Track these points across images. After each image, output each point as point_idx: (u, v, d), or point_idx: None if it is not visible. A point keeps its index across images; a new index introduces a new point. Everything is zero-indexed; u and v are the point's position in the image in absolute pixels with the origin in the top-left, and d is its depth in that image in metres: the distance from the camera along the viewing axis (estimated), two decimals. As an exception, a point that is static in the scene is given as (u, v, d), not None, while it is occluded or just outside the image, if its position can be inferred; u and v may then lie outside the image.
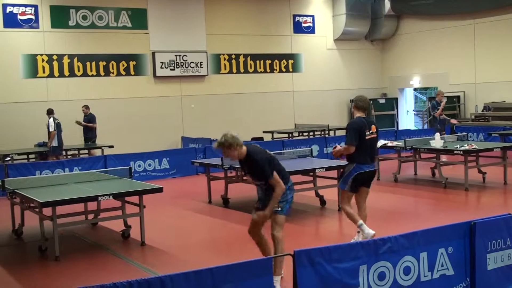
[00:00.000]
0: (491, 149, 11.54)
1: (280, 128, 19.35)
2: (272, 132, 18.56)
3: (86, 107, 16.47)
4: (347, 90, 22.20)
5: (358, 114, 7.41)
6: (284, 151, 13.95)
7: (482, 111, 19.46)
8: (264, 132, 18.88)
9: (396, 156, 12.93)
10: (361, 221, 7.29)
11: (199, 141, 16.34)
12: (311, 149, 11.72)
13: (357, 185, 7.35)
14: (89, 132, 16.42)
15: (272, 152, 10.44)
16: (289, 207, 6.12)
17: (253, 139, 18.08)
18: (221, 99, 19.79)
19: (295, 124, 20.39)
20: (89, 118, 16.45)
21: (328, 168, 9.65)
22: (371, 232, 7.13)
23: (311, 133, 18.62)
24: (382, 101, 22.57)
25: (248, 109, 20.41)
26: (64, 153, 15.23)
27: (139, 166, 14.00)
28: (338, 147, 7.46)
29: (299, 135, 18.55)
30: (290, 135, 18.19)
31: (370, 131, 7.35)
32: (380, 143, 12.33)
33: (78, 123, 16.29)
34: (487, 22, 19.68)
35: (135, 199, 8.07)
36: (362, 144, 7.25)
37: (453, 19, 20.66)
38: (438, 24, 21.24)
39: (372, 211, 9.36)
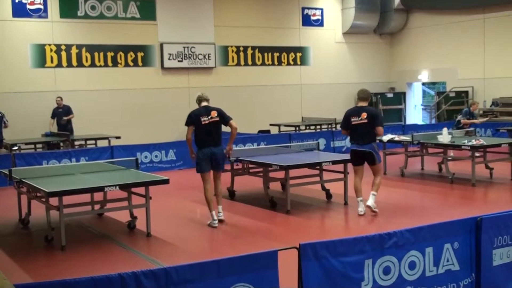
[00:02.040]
0: (499, 145, 11.49)
1: (287, 121, 19.33)
2: (279, 125, 18.54)
3: (61, 98, 16.30)
4: (355, 84, 21.98)
5: (358, 104, 8.92)
6: (291, 144, 14.02)
7: (491, 106, 19.37)
8: (271, 125, 18.86)
9: (403, 150, 12.91)
10: (360, 198, 8.94)
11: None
12: (318, 143, 11.73)
13: (355, 160, 8.90)
14: (69, 125, 16.25)
15: (278, 145, 10.65)
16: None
17: (260, 131, 18.08)
18: (228, 91, 19.77)
19: (302, 117, 20.38)
20: (67, 110, 16.26)
21: (334, 162, 9.62)
22: (360, 210, 8.86)
23: (318, 127, 18.58)
24: (390, 95, 22.49)
25: (256, 101, 20.40)
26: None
27: (146, 157, 14.00)
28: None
29: (306, 129, 18.53)
30: (297, 128, 18.17)
31: (359, 118, 8.72)
32: (387, 137, 12.43)
33: (64, 122, 16.11)
34: (497, 17, 19.57)
35: (141, 190, 8.07)
36: (351, 128, 8.85)
37: (462, 14, 20.54)
38: (448, 18, 21.12)
39: (378, 205, 9.39)
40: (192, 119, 8.52)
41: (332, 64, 22.06)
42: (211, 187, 8.62)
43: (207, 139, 8.49)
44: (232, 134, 8.69)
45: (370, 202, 8.82)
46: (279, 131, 18.34)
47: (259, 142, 15.26)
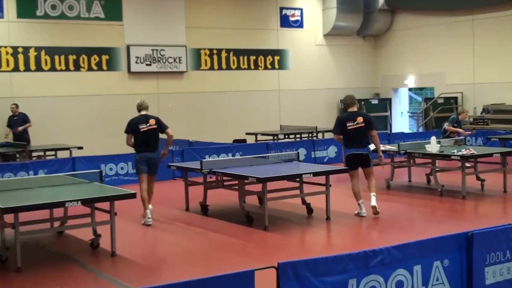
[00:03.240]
0: (490, 155, 11.50)
1: (264, 130, 19.36)
2: (255, 134, 18.56)
3: (16, 105, 16.17)
4: (337, 90, 22.29)
5: (349, 110, 9.93)
6: (269, 154, 13.96)
7: (481, 113, 19.53)
8: (247, 133, 18.90)
9: (389, 161, 12.91)
10: (360, 201, 9.86)
11: (177, 143, 16.29)
12: (298, 153, 11.73)
13: (353, 164, 9.82)
14: (25, 134, 16.13)
15: (255, 156, 10.79)
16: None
17: (235, 141, 18.10)
18: (201, 97, 19.79)
19: (280, 125, 20.38)
20: (23, 118, 16.15)
21: (316, 174, 9.62)
22: (363, 212, 9.76)
23: (298, 136, 18.63)
24: (375, 101, 22.69)
25: (230, 108, 20.44)
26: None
27: (111, 169, 13.94)
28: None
29: (285, 138, 18.52)
30: (275, 138, 18.20)
31: (355, 122, 9.73)
32: (372, 146, 12.38)
33: (19, 131, 15.98)
34: (487, 19, 19.78)
35: (105, 205, 8.00)
36: (346, 133, 9.77)
37: (450, 15, 20.73)
38: (435, 19, 21.31)
39: (362, 220, 9.47)
40: (131, 127, 10.05)
41: (313, 68, 22.20)
42: (146, 187, 10.02)
43: (145, 145, 10.00)
44: (168, 141, 10.11)
45: (373, 202, 9.70)
46: (256, 140, 18.36)
47: (234, 152, 15.25)
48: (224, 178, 10.25)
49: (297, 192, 10.02)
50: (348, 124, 9.75)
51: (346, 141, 9.82)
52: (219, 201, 11.33)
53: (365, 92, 23.11)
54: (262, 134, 18.61)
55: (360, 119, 9.76)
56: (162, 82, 19.10)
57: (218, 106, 20.17)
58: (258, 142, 17.82)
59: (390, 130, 22.11)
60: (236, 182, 10.22)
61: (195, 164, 10.70)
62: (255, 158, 11.74)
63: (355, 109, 9.96)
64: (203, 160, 10.63)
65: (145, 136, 10.00)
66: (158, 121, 10.11)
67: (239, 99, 20.60)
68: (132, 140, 10.07)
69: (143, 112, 10.15)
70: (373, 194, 9.80)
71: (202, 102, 19.75)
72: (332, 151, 16.65)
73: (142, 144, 10.04)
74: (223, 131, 19.21)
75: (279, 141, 17.85)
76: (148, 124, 9.96)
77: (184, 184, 11.06)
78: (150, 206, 10.04)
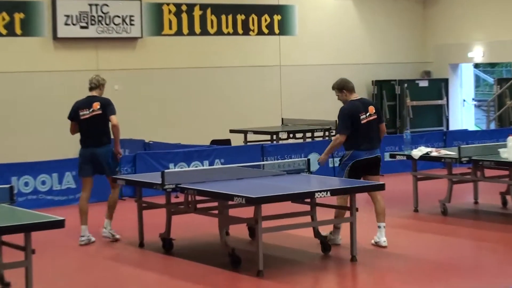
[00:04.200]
0: None
1: (258, 126, 19.26)
2: (245, 132, 18.55)
3: None
4: (367, 67, 22.32)
5: (351, 97, 10.48)
6: (264, 162, 14.01)
7: None
8: (232, 131, 18.85)
9: (445, 173, 12.95)
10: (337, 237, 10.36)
11: (127, 145, 16.28)
12: (308, 160, 11.51)
13: (358, 174, 10.26)
14: None
15: (244, 165, 11.55)
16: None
17: (213, 142, 18.05)
18: (163, 77, 19.75)
19: (282, 119, 20.40)
20: None
21: (335, 192, 9.61)
22: (383, 241, 10.16)
23: (309, 135, 18.58)
24: (424, 83, 22.69)
25: (207, 94, 20.45)
26: None
27: (27, 184, 13.91)
28: (323, 155, 10.73)
29: (288, 138, 18.48)
30: (275, 137, 18.13)
31: (368, 113, 10.33)
32: (419, 151, 12.59)
33: None
34: None
35: (18, 238, 7.90)
36: (357, 130, 10.24)
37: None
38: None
39: (407, 260, 9.48)
40: (72, 113, 10.98)
41: (331, 34, 22.13)
42: (87, 196, 10.94)
43: (86, 137, 10.92)
44: (114, 135, 10.94)
45: (383, 239, 10.22)
46: (246, 141, 18.36)
47: (213, 159, 15.31)
48: (198, 198, 10.12)
49: (308, 219, 9.99)
50: (361, 117, 10.34)
51: (356, 140, 10.31)
52: (190, 233, 11.30)
53: (409, 70, 23.12)
54: (255, 132, 18.51)
55: (372, 109, 10.47)
56: (105, 54, 19.08)
57: (189, 90, 20.16)
58: (249, 143, 17.80)
59: (447, 127, 22.11)
60: (216, 204, 10.18)
61: (154, 177, 10.62)
62: (244, 168, 11.72)
63: (357, 95, 10.68)
64: (166, 170, 10.53)
65: (87, 125, 10.90)
66: (104, 105, 10.93)
67: (220, 80, 20.62)
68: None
69: (92, 93, 11.06)
70: (383, 224, 10.30)
71: (164, 84, 19.73)
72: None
73: (83, 135, 10.97)
74: (197, 127, 19.27)
75: (280, 142, 17.75)
76: (368, 114, 10.39)
77: (137, 207, 10.96)
78: (107, 221, 10.94)
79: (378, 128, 10.54)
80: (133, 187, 11.93)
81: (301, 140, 18.28)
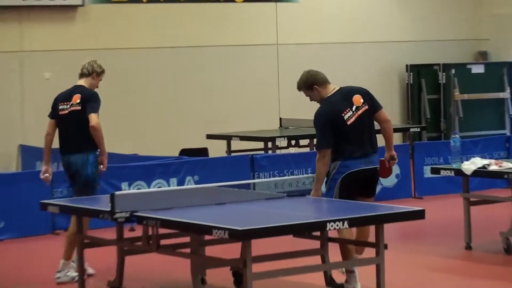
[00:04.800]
0: None
1: (247, 129, 19.48)
2: (228, 138, 18.60)
3: None
4: (398, 46, 22.79)
5: (324, 93, 10.70)
6: (256, 180, 14.28)
7: None
8: (209, 137, 18.99)
9: (508, 194, 12.95)
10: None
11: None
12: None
13: (351, 193, 10.38)
14: None
15: (226, 184, 12.08)
16: None
17: (184, 152, 18.36)
18: (112, 60, 19.48)
19: (280, 119, 20.49)
20: None
21: (354, 221, 9.50)
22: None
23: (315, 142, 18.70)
24: (478, 69, 22.98)
25: (175, 84, 20.75)
26: None
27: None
28: (313, 191, 10.74)
29: (289, 145, 18.72)
30: (270, 145, 18.16)
31: (354, 107, 10.46)
32: (472, 164, 12.44)
33: None
34: None
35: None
36: (344, 135, 10.40)
37: None
38: None
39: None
40: (52, 108, 11.64)
41: (346, 1, 22.52)
42: (73, 224, 11.19)
43: (64, 140, 11.59)
44: (94, 138, 11.46)
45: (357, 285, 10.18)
46: (229, 151, 18.45)
47: (183, 176, 15.45)
48: (162, 231, 10.02)
49: (317, 259, 9.98)
50: (346, 116, 10.45)
51: (343, 149, 10.48)
52: (151, 281, 11.35)
53: (457, 51, 23.49)
54: (242, 138, 18.53)
55: (358, 99, 10.60)
56: (31, 29, 19.32)
57: (148, 79, 20.49)
58: (234, 154, 17.99)
59: (511, 130, 22.42)
60: (187, 239, 10.15)
61: (100, 202, 10.64)
62: (227, 188, 11.77)
63: (334, 86, 10.84)
64: (117, 193, 10.31)
65: (64, 123, 11.67)
66: (85, 99, 11.61)
67: (192, 64, 20.95)
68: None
69: (80, 82, 11.88)
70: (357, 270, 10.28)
71: (114, 71, 18.88)
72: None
73: (60, 138, 11.75)
74: (160, 131, 19.56)
75: (278, 151, 18.08)
76: (354, 108, 10.55)
77: (77, 243, 10.88)
78: (74, 256, 11.27)
79: (372, 122, 10.64)
80: (69, 216, 11.97)
81: (307, 149, 18.40)
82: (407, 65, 22.82)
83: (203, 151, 18.73)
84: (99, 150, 11.74)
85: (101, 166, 11.82)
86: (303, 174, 14.30)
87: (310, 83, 10.68)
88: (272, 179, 13.46)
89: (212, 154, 18.57)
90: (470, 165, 12.46)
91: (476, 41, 24.08)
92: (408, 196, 16.66)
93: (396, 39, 23.12)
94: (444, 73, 22.58)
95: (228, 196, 11.07)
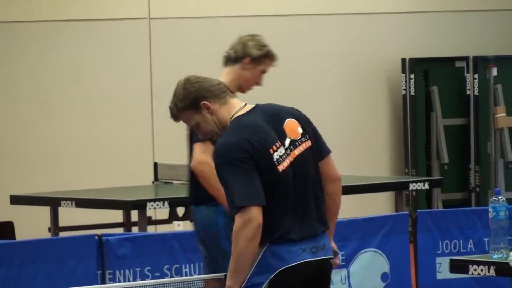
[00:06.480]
0: None
1: (91, 186, 18.95)
2: (55, 202, 17.44)
3: None
4: (387, 19, 20.91)
5: (225, 112, 7.63)
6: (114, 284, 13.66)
7: None
8: (16, 200, 17.36)
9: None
10: None
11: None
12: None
13: None
14: None
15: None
16: None
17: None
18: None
19: (155, 165, 20.33)
20: None
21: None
22: None
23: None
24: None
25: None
26: None
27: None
28: None
29: (171, 217, 18.88)
30: (137, 217, 17.93)
31: (287, 142, 7.59)
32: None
33: None
34: None
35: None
36: (269, 193, 7.40)
37: None
38: None
39: None
40: None
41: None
42: None
43: None
44: None
45: None
46: (54, 229, 17.13)
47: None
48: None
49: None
50: (276, 155, 7.45)
51: (270, 221, 7.46)
52: None
53: (502, 34, 21.19)
54: (79, 204, 16.81)
55: (292, 125, 7.55)
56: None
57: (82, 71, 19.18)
58: (63, 233, 16.99)
59: None
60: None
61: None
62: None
63: (242, 103, 7.80)
64: None
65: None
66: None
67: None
68: None
69: (232, 107, 10.12)
70: None
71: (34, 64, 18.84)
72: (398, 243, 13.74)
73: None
74: (106, 153, 19.15)
75: (151, 230, 18.08)
76: (289, 140, 8.69)
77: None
78: None
79: (318, 175, 7.79)
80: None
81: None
82: (403, 59, 19.33)
83: (7, 227, 17.58)
84: None
85: None
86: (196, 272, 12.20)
87: (195, 98, 7.10)
88: (137, 283, 10.70)
89: (21, 233, 17.68)
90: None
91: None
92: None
93: (384, 9, 19.89)
94: (475, 75, 18.26)
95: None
